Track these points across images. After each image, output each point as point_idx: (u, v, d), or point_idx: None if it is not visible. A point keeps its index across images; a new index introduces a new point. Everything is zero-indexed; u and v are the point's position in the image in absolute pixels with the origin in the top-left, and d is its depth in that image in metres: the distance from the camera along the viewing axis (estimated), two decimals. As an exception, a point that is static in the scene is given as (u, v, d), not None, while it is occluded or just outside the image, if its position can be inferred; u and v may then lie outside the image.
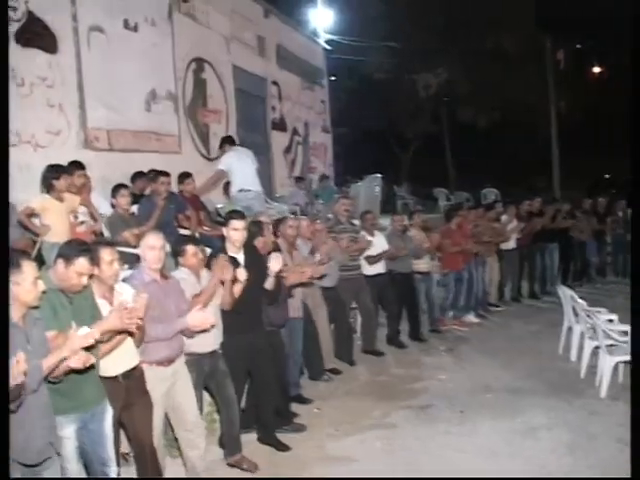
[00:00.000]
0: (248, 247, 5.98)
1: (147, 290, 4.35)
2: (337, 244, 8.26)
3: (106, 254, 4.22)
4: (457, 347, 9.31)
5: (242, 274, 5.45)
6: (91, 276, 4.08)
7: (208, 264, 5.48)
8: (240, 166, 8.77)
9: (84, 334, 3.48)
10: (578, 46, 27.21)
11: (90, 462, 4.06)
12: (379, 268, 9.21)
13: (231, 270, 5.25)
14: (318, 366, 7.79)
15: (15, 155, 6.46)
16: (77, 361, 3.46)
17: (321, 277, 7.32)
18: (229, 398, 5.42)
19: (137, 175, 8.63)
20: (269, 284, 5.93)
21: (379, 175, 15.95)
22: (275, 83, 15.89)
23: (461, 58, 22.84)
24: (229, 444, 5.52)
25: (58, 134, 8.36)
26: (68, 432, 3.87)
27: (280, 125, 16.21)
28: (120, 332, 4.13)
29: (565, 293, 8.58)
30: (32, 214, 6.37)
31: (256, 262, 5.91)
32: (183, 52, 11.41)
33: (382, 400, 7.11)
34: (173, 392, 4.88)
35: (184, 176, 8.58)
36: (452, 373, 8.06)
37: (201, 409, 5.39)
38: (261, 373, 5.86)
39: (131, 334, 4.20)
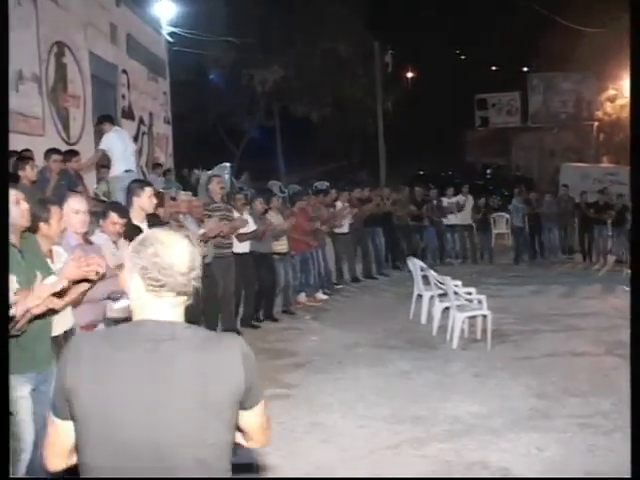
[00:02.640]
0: (150, 216, 6.25)
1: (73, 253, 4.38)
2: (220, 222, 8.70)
3: (56, 212, 4.48)
4: (319, 316, 10.30)
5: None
6: (35, 232, 4.30)
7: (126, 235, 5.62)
8: (123, 147, 9.03)
9: (52, 282, 3.68)
10: (391, 52, 29.27)
11: (40, 427, 3.88)
12: (245, 247, 9.63)
13: None
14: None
15: None
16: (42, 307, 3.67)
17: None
18: None
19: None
20: None
21: (228, 164, 16.67)
22: (124, 71, 16.08)
23: (296, 57, 24.03)
24: None
25: None
26: (25, 391, 3.87)
27: (129, 113, 16.41)
28: (78, 282, 4.22)
29: (415, 264, 9.84)
30: None
31: (160, 230, 6.30)
32: (46, 34, 11.48)
33: (268, 360, 7.88)
34: None
35: (71, 153, 8.82)
36: (322, 335, 9.07)
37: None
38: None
39: (90, 282, 4.52)
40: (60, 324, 4.41)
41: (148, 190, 6.13)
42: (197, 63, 23.28)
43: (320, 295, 11.68)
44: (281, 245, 10.59)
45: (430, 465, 4.95)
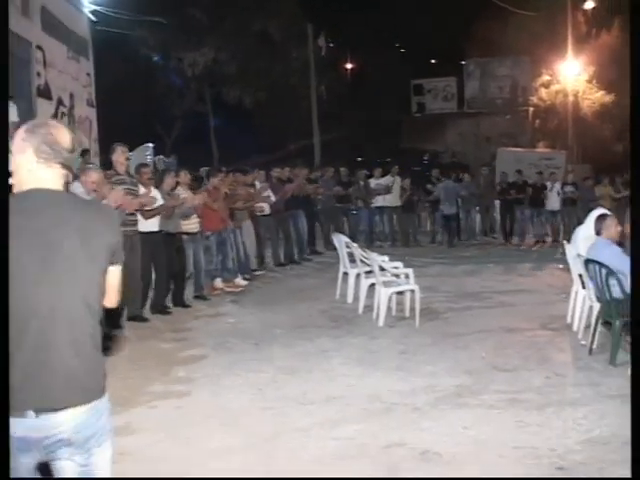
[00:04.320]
0: None
1: None
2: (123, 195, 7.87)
3: None
4: (239, 300, 9.60)
5: None
6: None
7: None
8: None
9: None
10: (331, 45, 28.84)
11: None
12: (153, 225, 8.58)
13: None
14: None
15: None
16: None
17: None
18: None
19: None
20: None
21: (150, 145, 15.92)
22: (40, 48, 15.09)
23: (228, 39, 23.27)
24: None
25: None
26: None
27: (45, 92, 15.42)
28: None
29: (340, 240, 9.29)
30: None
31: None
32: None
33: (175, 343, 7.24)
34: None
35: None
36: (240, 317, 8.43)
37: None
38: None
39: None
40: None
41: None
42: (123, 44, 22.30)
43: (239, 281, 10.72)
44: (191, 224, 9.55)
45: (342, 448, 4.40)
